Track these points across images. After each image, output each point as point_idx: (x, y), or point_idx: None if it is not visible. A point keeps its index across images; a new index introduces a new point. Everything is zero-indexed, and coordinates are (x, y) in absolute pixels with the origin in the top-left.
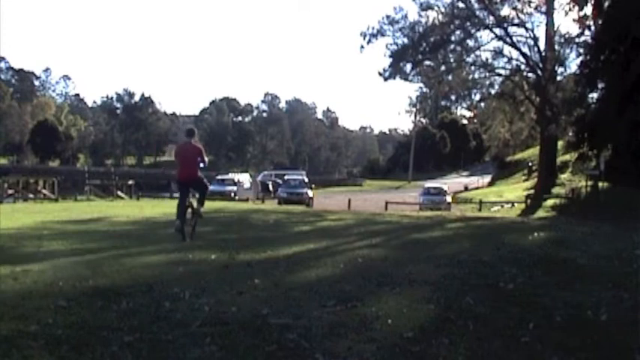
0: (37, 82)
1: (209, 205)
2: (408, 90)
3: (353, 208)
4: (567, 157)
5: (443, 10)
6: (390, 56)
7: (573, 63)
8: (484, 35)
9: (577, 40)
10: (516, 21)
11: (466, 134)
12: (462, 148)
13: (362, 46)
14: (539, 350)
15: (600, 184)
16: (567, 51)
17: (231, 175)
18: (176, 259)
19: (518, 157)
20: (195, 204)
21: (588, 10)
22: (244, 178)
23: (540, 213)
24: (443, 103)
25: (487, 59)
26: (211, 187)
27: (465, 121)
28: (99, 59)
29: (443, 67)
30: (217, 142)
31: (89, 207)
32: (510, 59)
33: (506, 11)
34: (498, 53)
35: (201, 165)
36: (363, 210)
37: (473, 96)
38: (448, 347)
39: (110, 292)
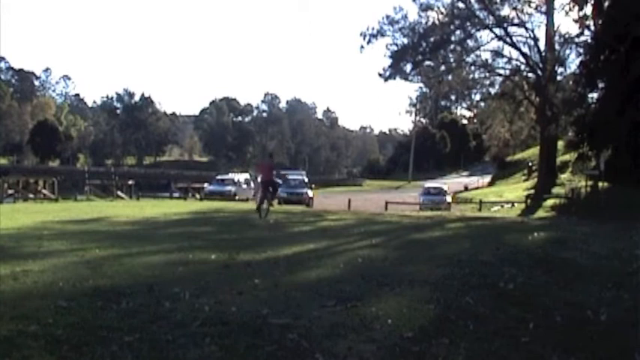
0: (37, 82)
1: (209, 205)
2: (408, 90)
3: (353, 208)
4: (567, 157)
5: (443, 10)
6: (390, 56)
7: (573, 63)
8: (484, 35)
9: (577, 40)
10: (516, 21)
11: (466, 134)
12: (462, 148)
13: (362, 47)
14: (539, 350)
15: (600, 184)
16: (567, 51)
17: (231, 175)
18: (176, 259)
19: (518, 157)
20: (267, 203)
21: (588, 10)
22: (244, 178)
23: (540, 213)
24: (443, 103)
25: (487, 59)
26: (211, 187)
27: (465, 121)
28: (99, 59)
29: (443, 67)
30: (217, 142)
31: (89, 207)
32: (510, 59)
33: (506, 11)
34: (498, 53)
35: (274, 173)
36: (363, 210)
37: (473, 96)
38: (448, 347)
39: (110, 292)
